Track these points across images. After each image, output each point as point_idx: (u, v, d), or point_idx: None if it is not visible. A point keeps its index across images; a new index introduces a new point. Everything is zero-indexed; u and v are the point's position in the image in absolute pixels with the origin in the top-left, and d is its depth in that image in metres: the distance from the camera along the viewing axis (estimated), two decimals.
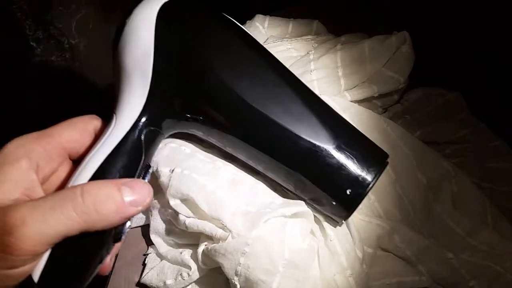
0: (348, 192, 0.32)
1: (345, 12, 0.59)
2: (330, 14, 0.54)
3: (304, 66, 0.44)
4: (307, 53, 0.45)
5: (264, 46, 0.39)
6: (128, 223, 0.29)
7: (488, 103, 0.49)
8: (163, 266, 0.37)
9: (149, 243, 0.39)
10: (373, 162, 0.32)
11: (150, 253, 0.39)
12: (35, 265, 0.26)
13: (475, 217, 0.39)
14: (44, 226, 0.24)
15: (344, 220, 0.35)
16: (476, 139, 0.45)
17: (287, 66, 0.36)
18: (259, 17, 0.52)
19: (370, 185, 0.32)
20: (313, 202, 0.35)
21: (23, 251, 0.23)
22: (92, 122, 0.32)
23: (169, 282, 0.36)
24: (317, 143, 0.31)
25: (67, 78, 0.78)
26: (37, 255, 0.25)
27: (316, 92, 0.41)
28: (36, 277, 0.26)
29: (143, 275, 0.38)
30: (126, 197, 0.26)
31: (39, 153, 0.28)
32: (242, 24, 0.51)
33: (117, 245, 0.30)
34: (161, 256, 0.38)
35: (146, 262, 0.39)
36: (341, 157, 0.32)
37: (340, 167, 0.31)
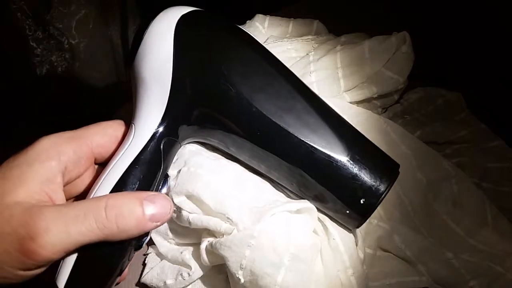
0: (362, 201, 0.33)
1: (345, 12, 0.59)
2: (330, 14, 0.54)
3: (303, 67, 0.44)
4: (307, 54, 0.45)
5: (264, 46, 0.39)
6: (148, 235, 0.30)
7: (488, 103, 0.49)
8: (163, 265, 0.37)
9: (149, 242, 0.39)
10: (385, 173, 0.33)
11: (150, 252, 0.39)
12: (46, 268, 0.26)
13: (475, 217, 0.39)
14: (66, 236, 0.24)
15: (357, 228, 0.35)
16: (476, 139, 0.45)
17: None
18: (259, 17, 0.52)
19: (383, 195, 0.32)
20: (325, 209, 0.35)
21: (43, 257, 0.24)
22: (120, 129, 0.32)
23: (169, 281, 0.36)
24: (332, 154, 0.32)
25: (67, 78, 0.78)
26: (52, 261, 0.26)
27: None
28: (61, 286, 0.27)
29: (143, 275, 0.38)
30: (147, 212, 0.27)
31: (70, 156, 0.29)
32: (242, 24, 0.52)
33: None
34: (161, 256, 0.38)
35: (146, 261, 0.39)
36: (355, 168, 0.32)
37: (354, 177, 0.32)
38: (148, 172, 0.30)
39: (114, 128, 0.32)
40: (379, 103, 0.46)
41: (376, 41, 0.44)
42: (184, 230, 0.37)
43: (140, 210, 0.27)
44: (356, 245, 0.36)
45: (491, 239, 0.38)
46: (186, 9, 0.32)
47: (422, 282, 0.36)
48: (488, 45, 0.52)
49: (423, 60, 0.45)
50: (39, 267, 0.25)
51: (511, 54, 0.50)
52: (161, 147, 0.31)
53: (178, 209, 0.35)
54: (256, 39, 0.35)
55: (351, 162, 0.32)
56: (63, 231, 0.24)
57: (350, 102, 0.43)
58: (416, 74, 0.46)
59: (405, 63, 0.44)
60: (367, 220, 0.38)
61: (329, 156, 0.32)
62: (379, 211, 0.40)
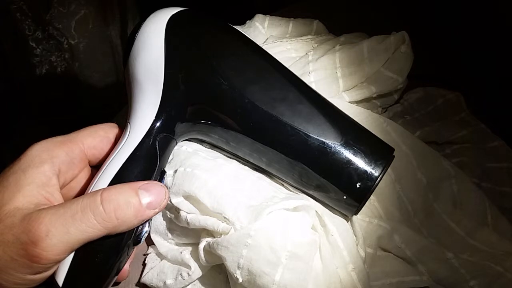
0: (358, 185, 0.33)
1: (345, 12, 0.59)
2: (330, 14, 0.54)
3: (302, 67, 0.44)
4: (306, 54, 0.45)
5: (264, 46, 0.39)
6: (146, 228, 0.30)
7: (488, 103, 0.49)
8: (163, 265, 0.37)
9: (149, 243, 0.39)
10: (380, 156, 0.34)
11: (150, 252, 0.39)
12: (56, 268, 0.27)
13: (475, 217, 0.39)
14: (67, 236, 0.25)
15: (355, 214, 0.36)
16: (476, 139, 0.45)
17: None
18: (259, 17, 0.52)
19: (379, 178, 0.33)
20: (323, 198, 0.36)
21: (49, 260, 0.25)
22: (112, 130, 0.33)
23: (169, 281, 0.36)
24: (326, 140, 0.33)
25: (67, 78, 0.78)
26: (60, 261, 0.26)
27: None
28: (60, 281, 0.27)
29: (143, 275, 0.38)
30: (144, 200, 0.27)
31: (62, 158, 0.29)
32: (242, 24, 0.52)
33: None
34: (161, 256, 0.38)
35: (146, 262, 0.39)
36: (349, 153, 0.33)
37: (349, 161, 0.33)
38: (144, 168, 0.31)
39: (105, 130, 0.33)
40: (379, 103, 0.46)
41: (375, 41, 0.44)
42: (183, 231, 0.37)
43: (137, 200, 0.27)
44: (357, 244, 0.36)
45: (491, 239, 0.38)
46: (176, 9, 0.33)
47: (422, 281, 0.36)
48: (488, 45, 0.52)
49: (423, 60, 0.46)
50: (47, 269, 0.26)
51: (511, 54, 0.50)
52: (157, 143, 0.31)
53: (177, 210, 0.35)
54: (245, 34, 0.36)
55: (345, 147, 0.33)
56: (64, 232, 0.25)
57: (349, 102, 0.43)
58: (416, 74, 0.46)
59: (404, 63, 0.44)
60: (368, 220, 0.38)
61: (323, 142, 0.33)
62: (379, 211, 0.40)
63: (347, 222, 0.37)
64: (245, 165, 0.37)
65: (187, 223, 0.34)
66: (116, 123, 0.34)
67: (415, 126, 0.46)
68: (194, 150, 0.37)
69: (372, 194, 0.34)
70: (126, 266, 0.31)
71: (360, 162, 0.33)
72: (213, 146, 0.38)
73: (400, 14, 0.57)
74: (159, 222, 0.38)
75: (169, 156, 0.34)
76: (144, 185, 0.28)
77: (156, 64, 0.31)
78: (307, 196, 0.36)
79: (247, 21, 0.52)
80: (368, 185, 0.33)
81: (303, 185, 0.36)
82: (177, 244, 0.38)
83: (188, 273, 0.35)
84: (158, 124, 0.32)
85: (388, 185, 0.39)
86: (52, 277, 0.27)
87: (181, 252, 0.37)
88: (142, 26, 0.32)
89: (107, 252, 0.28)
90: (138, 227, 0.29)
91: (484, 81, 0.51)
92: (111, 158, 0.30)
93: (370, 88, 0.43)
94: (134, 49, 0.32)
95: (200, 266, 0.35)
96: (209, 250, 0.34)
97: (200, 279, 0.36)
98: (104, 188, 0.27)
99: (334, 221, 0.35)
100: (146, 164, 0.31)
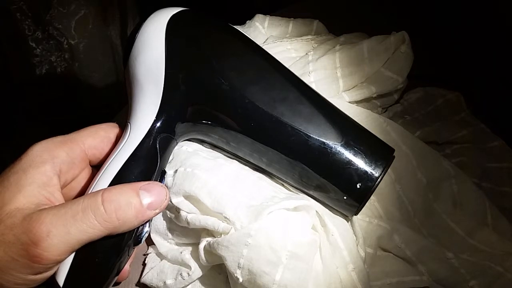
0: (358, 185, 0.33)
1: (345, 12, 0.59)
2: (330, 14, 0.54)
3: (302, 67, 0.44)
4: (306, 54, 0.45)
5: (264, 46, 0.39)
6: (147, 228, 0.30)
7: (488, 103, 0.49)
8: (163, 265, 0.37)
9: (149, 243, 0.39)
10: (380, 156, 0.34)
11: (150, 252, 0.39)
12: (56, 268, 0.27)
13: (475, 217, 0.39)
14: (68, 236, 0.25)
15: (355, 214, 0.36)
16: (476, 139, 0.45)
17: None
18: (259, 17, 0.52)
19: (379, 178, 0.33)
20: (323, 198, 0.36)
21: (50, 260, 0.25)
22: (113, 130, 0.33)
23: (169, 282, 0.36)
24: (326, 141, 0.33)
25: (67, 78, 0.78)
26: (60, 261, 0.26)
27: None
28: (61, 281, 0.27)
29: (143, 275, 0.38)
30: (144, 201, 0.27)
31: (63, 158, 0.29)
32: (242, 24, 0.52)
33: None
34: (161, 256, 0.38)
35: (146, 262, 0.39)
36: (349, 153, 0.33)
37: (349, 162, 0.33)
38: (145, 168, 0.31)
39: (106, 130, 0.33)
40: (379, 103, 0.46)
41: (375, 41, 0.44)
42: (184, 230, 0.37)
43: (137, 200, 0.27)
44: (357, 244, 0.36)
45: (491, 239, 0.38)
46: (176, 9, 0.33)
47: (422, 281, 0.36)
48: (488, 45, 0.52)
49: (423, 60, 0.46)
50: (48, 269, 0.26)
51: (511, 54, 0.50)
52: (157, 143, 0.32)
53: (177, 210, 0.35)
54: (246, 34, 0.36)
55: (346, 147, 0.33)
56: (64, 232, 0.25)
57: (349, 102, 0.43)
58: (416, 74, 0.46)
59: (404, 63, 0.44)
60: (368, 220, 0.38)
61: (323, 143, 0.33)
62: (379, 211, 0.40)
63: (347, 222, 0.37)
64: (245, 165, 0.37)
65: (187, 223, 0.34)
66: (116, 123, 0.34)
67: (415, 126, 0.46)
68: (194, 150, 0.37)
69: (372, 194, 0.34)
70: (127, 266, 0.31)
71: (360, 163, 0.33)
72: (213, 146, 0.38)
73: (400, 14, 0.57)
74: (159, 222, 0.38)
75: (169, 156, 0.34)
76: (145, 186, 0.28)
77: (157, 64, 0.32)
78: (307, 196, 0.36)
79: (247, 21, 0.52)
80: (368, 185, 0.33)
81: (304, 185, 0.36)
82: (177, 244, 0.38)
83: (188, 273, 0.35)
84: (158, 124, 0.32)
85: (388, 185, 0.39)
86: (53, 277, 0.27)
87: (181, 252, 0.37)
88: (143, 26, 0.32)
89: (107, 252, 0.28)
90: (138, 227, 0.29)
91: (484, 81, 0.51)
92: (111, 158, 0.30)
93: (370, 88, 0.43)
94: (134, 49, 0.32)
95: (200, 266, 0.35)
96: (209, 250, 0.34)
97: (200, 279, 0.36)
98: (105, 189, 0.27)
99: (334, 221, 0.35)
100: (147, 164, 0.31)
